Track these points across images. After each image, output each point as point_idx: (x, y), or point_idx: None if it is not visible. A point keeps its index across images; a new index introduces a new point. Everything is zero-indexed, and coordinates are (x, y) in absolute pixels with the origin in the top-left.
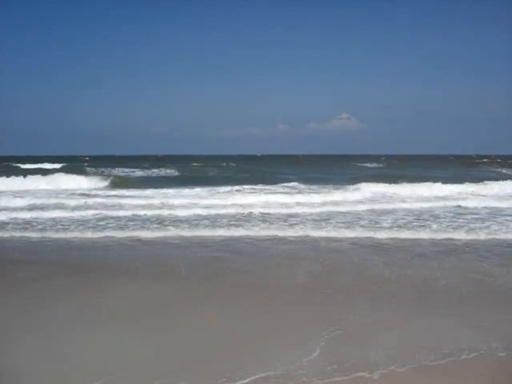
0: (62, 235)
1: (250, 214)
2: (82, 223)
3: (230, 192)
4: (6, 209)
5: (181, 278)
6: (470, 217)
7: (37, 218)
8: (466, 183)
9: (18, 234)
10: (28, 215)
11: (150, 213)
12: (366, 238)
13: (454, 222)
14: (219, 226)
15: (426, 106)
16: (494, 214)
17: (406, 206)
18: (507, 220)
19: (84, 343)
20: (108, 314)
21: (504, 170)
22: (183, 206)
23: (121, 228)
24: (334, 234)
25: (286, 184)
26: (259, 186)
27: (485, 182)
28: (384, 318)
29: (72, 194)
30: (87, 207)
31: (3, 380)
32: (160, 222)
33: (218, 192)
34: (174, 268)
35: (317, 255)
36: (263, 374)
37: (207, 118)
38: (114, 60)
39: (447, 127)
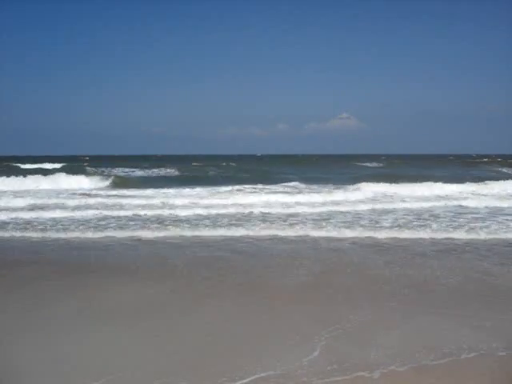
0: (62, 235)
1: (251, 213)
2: (83, 223)
3: (230, 192)
4: (7, 209)
5: (181, 277)
6: (470, 216)
7: (37, 218)
8: (467, 183)
9: (18, 234)
10: (28, 215)
11: (150, 213)
12: (366, 237)
13: (454, 221)
14: (220, 226)
15: (426, 105)
16: (495, 213)
17: (407, 205)
18: (507, 219)
19: (84, 343)
20: (108, 313)
21: (504, 170)
22: (184, 206)
23: (121, 228)
24: (334, 233)
25: (286, 184)
26: (259, 186)
27: (486, 181)
28: (384, 318)
29: (72, 193)
30: (88, 207)
31: (3, 380)
32: (160, 221)
33: (219, 192)
34: (174, 268)
35: (317, 255)
36: (263, 373)
37: (207, 117)
38: (113, 60)
39: (447, 127)
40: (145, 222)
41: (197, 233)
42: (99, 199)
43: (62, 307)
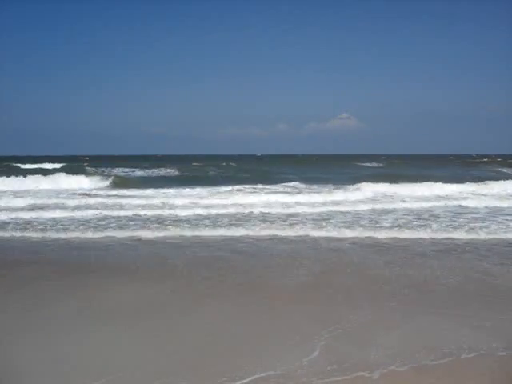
0: (62, 235)
1: (251, 213)
2: (83, 223)
3: (230, 192)
4: (7, 209)
5: (181, 277)
6: (470, 216)
7: (37, 218)
8: (467, 183)
9: (18, 234)
10: (28, 215)
11: (150, 213)
12: (366, 237)
13: (454, 221)
14: (220, 226)
15: (426, 105)
16: (494, 213)
17: (407, 205)
18: (507, 219)
19: (84, 343)
20: (108, 313)
21: (504, 170)
22: (184, 206)
23: (121, 228)
24: (334, 233)
25: (286, 184)
26: (259, 186)
27: (486, 181)
28: (384, 318)
29: (72, 193)
30: (88, 207)
31: (3, 380)
32: (160, 221)
33: (219, 192)
34: (174, 268)
35: (317, 255)
36: (263, 373)
37: (207, 117)
38: (113, 60)
39: (447, 127)
40: (145, 222)
41: (197, 233)
42: (99, 199)
43: (61, 307)
